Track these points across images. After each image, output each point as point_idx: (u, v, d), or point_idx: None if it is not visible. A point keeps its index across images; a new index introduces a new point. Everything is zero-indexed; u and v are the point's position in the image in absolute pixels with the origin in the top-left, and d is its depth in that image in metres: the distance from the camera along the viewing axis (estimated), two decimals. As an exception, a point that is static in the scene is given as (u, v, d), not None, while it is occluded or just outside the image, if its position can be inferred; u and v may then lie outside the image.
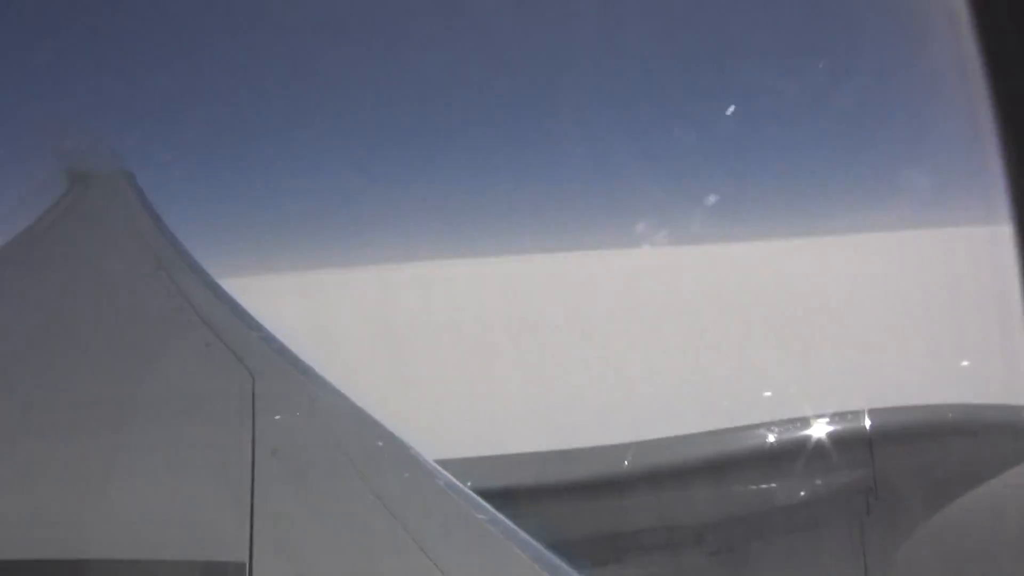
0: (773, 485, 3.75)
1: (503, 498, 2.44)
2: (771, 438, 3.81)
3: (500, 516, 2.15)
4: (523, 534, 2.03)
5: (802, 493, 3.71)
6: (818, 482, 3.73)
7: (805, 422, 3.85)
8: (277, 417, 2.73)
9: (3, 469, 2.26)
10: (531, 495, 3.62)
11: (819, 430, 3.80)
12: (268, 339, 3.96)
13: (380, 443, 2.65)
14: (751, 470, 3.78)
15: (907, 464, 3.74)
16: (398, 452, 2.57)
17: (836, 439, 3.76)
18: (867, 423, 3.78)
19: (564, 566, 1.88)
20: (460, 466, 2.98)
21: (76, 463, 2.31)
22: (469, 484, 2.47)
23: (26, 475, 2.23)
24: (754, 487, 3.76)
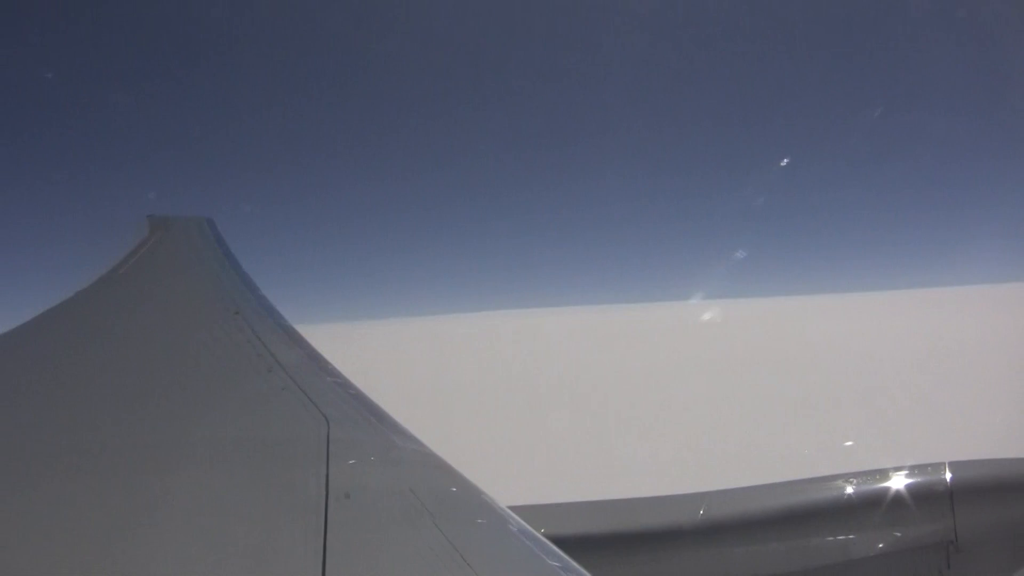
0: (852, 537, 3.68)
1: (577, 545, 2.41)
2: (850, 489, 3.75)
3: (573, 563, 2.13)
4: None
5: (880, 545, 3.64)
6: (897, 534, 3.65)
7: (885, 474, 3.80)
8: (351, 462, 2.74)
9: (74, 508, 2.29)
10: (604, 543, 3.60)
11: (899, 482, 3.74)
12: (343, 384, 3.99)
13: (454, 488, 2.64)
14: (829, 521, 3.72)
15: (989, 518, 3.65)
16: (471, 498, 2.56)
17: (916, 491, 3.69)
18: (948, 475, 3.72)
19: None
20: (533, 513, 2.96)
21: (148, 504, 2.34)
22: (543, 531, 2.45)
23: (98, 514, 2.26)
24: (832, 539, 3.69)
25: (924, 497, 3.67)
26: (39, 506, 2.35)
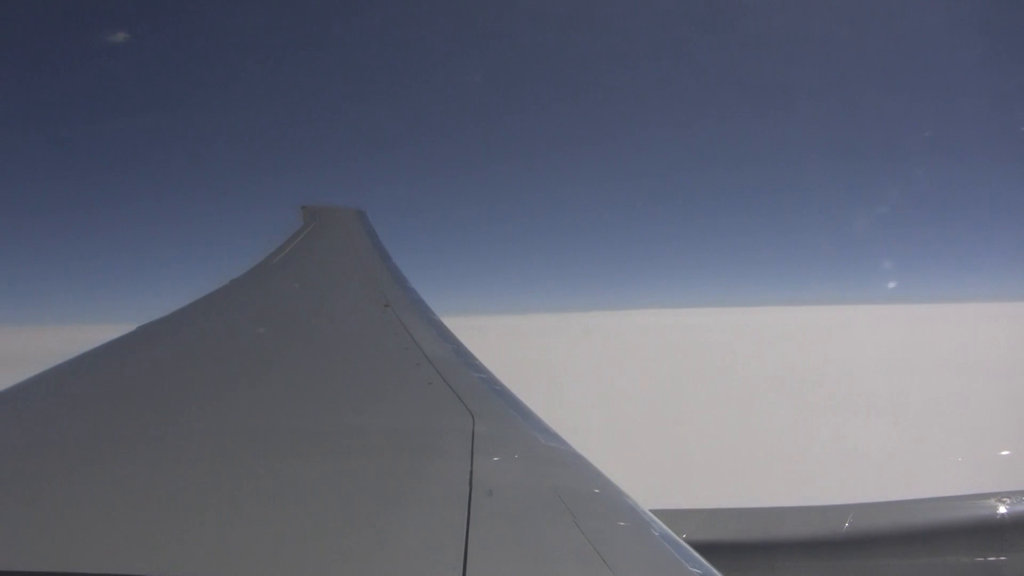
0: (1004, 558, 3.50)
1: (717, 552, 2.36)
2: (1003, 508, 3.57)
3: (714, 570, 2.09)
4: None
5: None
6: None
7: None
8: (495, 459, 2.75)
9: (217, 490, 2.38)
10: (745, 551, 3.53)
11: None
12: (489, 381, 4.01)
13: (596, 490, 2.62)
14: (980, 540, 3.55)
15: None
16: (614, 500, 2.54)
17: None
18: None
19: None
20: (676, 517, 2.92)
21: (293, 489, 2.41)
22: (684, 536, 2.41)
23: (240, 497, 2.34)
24: (982, 559, 3.52)
25: None
26: (184, 484, 2.45)
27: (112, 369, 4.36)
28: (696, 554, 2.21)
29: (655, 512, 2.51)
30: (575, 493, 2.53)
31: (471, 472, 2.49)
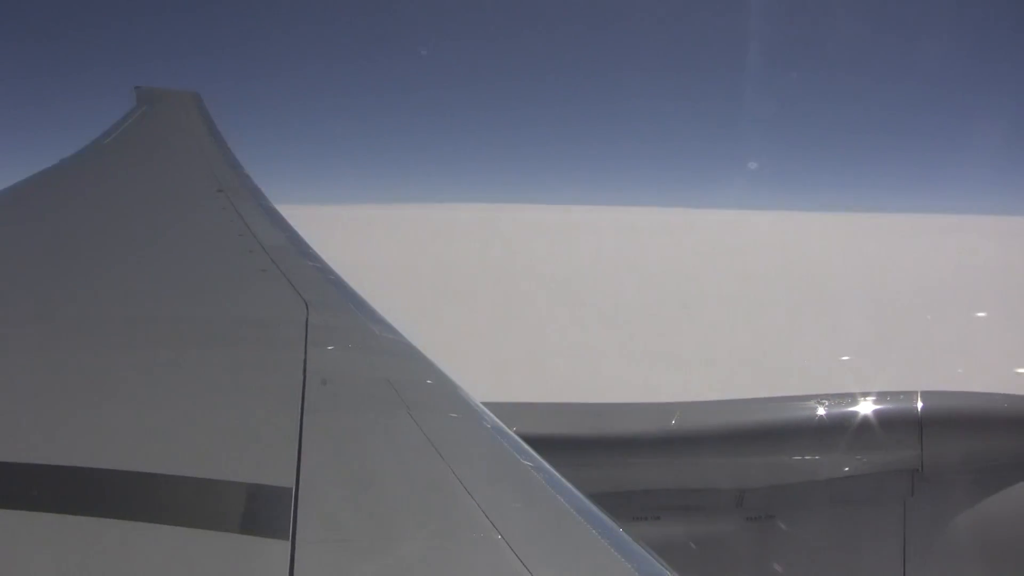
0: (819, 457, 3.73)
1: (548, 446, 2.43)
2: (821, 410, 3.78)
3: (544, 463, 2.14)
4: (566, 483, 2.03)
5: (847, 468, 3.69)
6: (864, 459, 3.70)
7: (856, 398, 3.82)
8: (329, 348, 2.74)
9: (54, 379, 2.29)
10: (577, 445, 3.64)
11: (870, 407, 3.76)
12: (324, 270, 3.97)
13: (430, 381, 2.65)
14: (797, 440, 3.76)
15: (956, 449, 3.69)
16: (447, 391, 2.57)
17: (886, 417, 3.73)
18: (919, 404, 3.75)
19: (604, 517, 1.87)
20: (507, 411, 2.98)
21: (123, 378, 2.34)
22: (515, 429, 2.47)
23: (76, 386, 2.26)
24: (799, 457, 3.75)
25: (894, 423, 3.71)
26: (11, 376, 2.34)
27: None
28: (526, 446, 2.26)
29: (487, 405, 2.56)
30: (409, 384, 2.55)
31: (305, 361, 2.47)
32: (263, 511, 1.60)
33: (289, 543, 1.47)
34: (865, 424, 3.71)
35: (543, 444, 2.38)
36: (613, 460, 3.69)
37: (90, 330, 2.77)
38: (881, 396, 3.83)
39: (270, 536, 1.50)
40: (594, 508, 1.90)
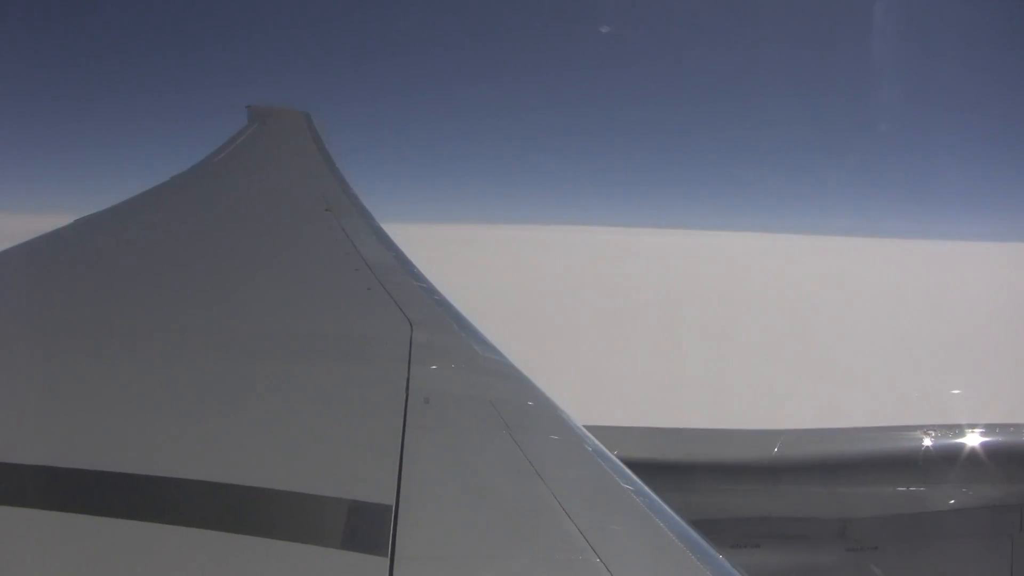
0: (924, 489, 3.63)
1: (650, 470, 2.40)
2: (928, 442, 3.69)
3: (645, 488, 2.12)
4: (666, 508, 2.00)
5: (952, 501, 3.58)
6: (971, 492, 3.59)
7: (964, 430, 3.73)
8: (433, 367, 2.76)
9: (157, 391, 2.35)
10: (678, 471, 3.60)
11: (978, 439, 3.66)
12: (428, 289, 4.00)
13: (531, 403, 2.64)
14: (904, 471, 3.67)
15: None
16: (548, 413, 2.56)
17: (996, 450, 3.62)
18: None
19: (704, 543, 1.84)
20: (609, 434, 2.96)
21: (231, 392, 2.39)
22: (616, 452, 2.45)
23: (185, 397, 2.32)
24: (904, 489, 3.65)
25: (1002, 457, 3.61)
26: (124, 383, 2.42)
27: (48, 263, 4.26)
28: (627, 469, 2.24)
29: (588, 428, 2.54)
30: (510, 405, 2.55)
31: (408, 379, 2.49)
32: (364, 527, 1.62)
33: (388, 560, 1.48)
34: (973, 456, 3.61)
35: (644, 468, 2.35)
36: (714, 486, 3.65)
37: (200, 346, 2.85)
38: (990, 428, 3.74)
39: (370, 552, 1.51)
40: (694, 534, 1.87)
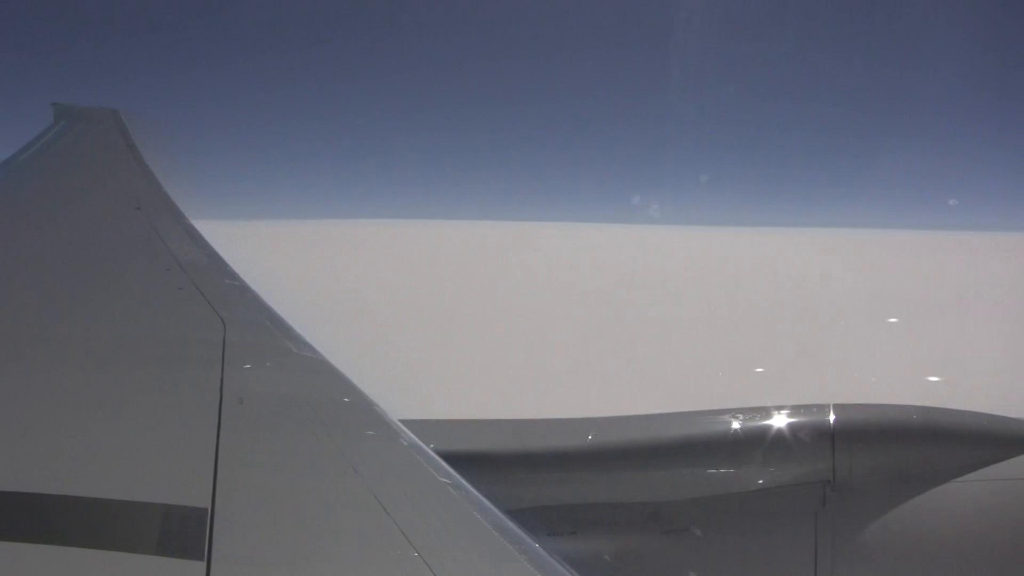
0: (732, 471, 3.80)
1: (465, 462, 2.46)
2: (736, 424, 3.85)
3: (462, 480, 2.16)
4: (483, 499, 2.05)
5: (760, 481, 3.76)
6: (777, 471, 3.78)
7: (771, 411, 3.90)
8: (246, 366, 2.73)
9: None
10: (493, 462, 3.66)
11: (782, 420, 3.84)
12: (241, 288, 3.94)
13: (347, 399, 2.65)
14: (711, 454, 3.83)
15: (867, 461, 3.79)
16: (364, 409, 2.58)
17: (798, 430, 3.80)
18: (832, 417, 3.83)
19: (521, 533, 1.89)
20: (424, 428, 3.00)
21: (37, 398, 2.30)
22: (432, 446, 2.49)
23: None
24: (714, 471, 3.81)
25: (806, 436, 3.80)
26: None
27: None
28: (443, 463, 2.28)
29: (404, 423, 2.58)
30: (326, 402, 2.55)
31: (221, 380, 2.46)
32: (179, 532, 1.60)
33: (205, 563, 1.47)
34: (778, 437, 3.79)
35: (460, 461, 2.40)
36: (529, 476, 3.71)
37: (7, 348, 2.72)
38: (794, 409, 3.91)
39: (186, 557, 1.50)
40: (511, 524, 1.92)
